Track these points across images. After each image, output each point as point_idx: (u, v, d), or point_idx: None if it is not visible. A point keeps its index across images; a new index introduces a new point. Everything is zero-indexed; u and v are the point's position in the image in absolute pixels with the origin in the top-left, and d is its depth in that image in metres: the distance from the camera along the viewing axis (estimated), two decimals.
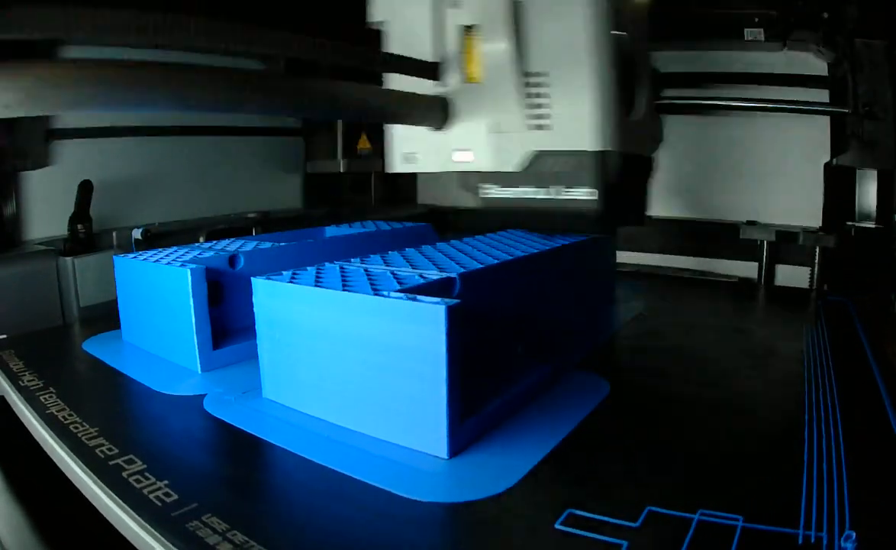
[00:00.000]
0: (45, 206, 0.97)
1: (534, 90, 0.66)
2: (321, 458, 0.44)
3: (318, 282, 0.51)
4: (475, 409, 0.47)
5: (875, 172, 1.03)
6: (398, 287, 0.48)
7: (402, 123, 0.74)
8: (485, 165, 0.72)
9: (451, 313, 0.42)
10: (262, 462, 0.46)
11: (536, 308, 0.65)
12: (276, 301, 0.53)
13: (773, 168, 1.15)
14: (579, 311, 0.78)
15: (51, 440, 0.48)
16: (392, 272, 0.54)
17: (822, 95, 1.08)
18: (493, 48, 0.68)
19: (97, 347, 0.72)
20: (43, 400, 0.55)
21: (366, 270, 0.56)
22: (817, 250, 1.05)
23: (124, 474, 0.42)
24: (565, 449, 0.46)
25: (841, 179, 1.06)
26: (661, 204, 1.26)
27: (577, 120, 0.65)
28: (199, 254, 0.69)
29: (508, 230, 0.80)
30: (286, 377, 0.53)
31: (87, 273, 0.89)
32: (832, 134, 1.09)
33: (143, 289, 0.69)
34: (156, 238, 1.03)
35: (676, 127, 1.23)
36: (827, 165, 1.09)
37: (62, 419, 0.51)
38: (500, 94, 0.68)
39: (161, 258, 0.69)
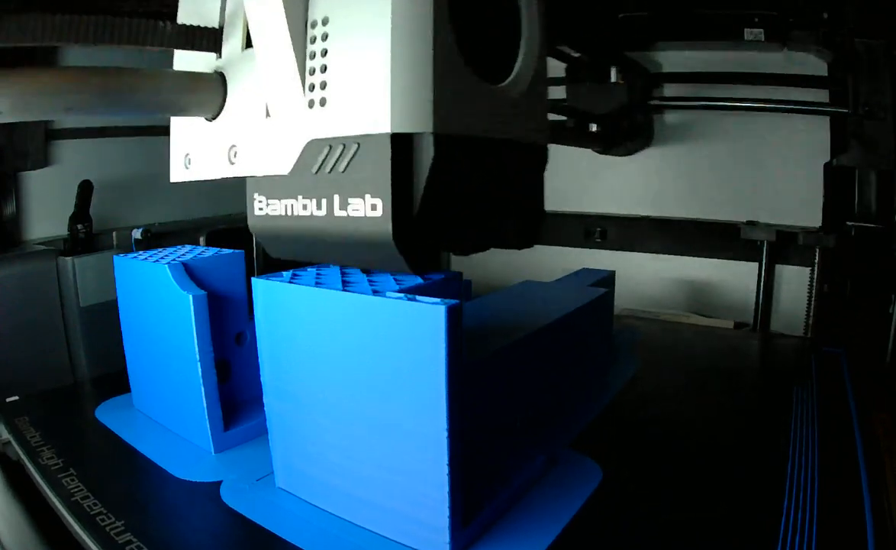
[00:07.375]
0: (45, 206, 0.97)
1: (317, 48, 0.42)
2: None
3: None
4: (477, 510, 0.47)
5: (875, 173, 1.03)
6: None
7: (171, 113, 0.54)
8: (250, 167, 0.48)
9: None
10: None
11: (539, 388, 0.62)
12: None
13: (773, 168, 1.15)
14: (579, 383, 0.74)
15: (84, 536, 0.48)
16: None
17: (822, 95, 1.08)
18: None
19: (109, 416, 0.73)
20: (66, 484, 0.56)
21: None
22: (817, 250, 1.05)
23: None
24: (559, 547, 0.47)
25: (841, 179, 1.06)
26: (661, 204, 1.26)
27: (362, 87, 0.40)
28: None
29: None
30: (295, 457, 0.54)
31: (87, 273, 0.89)
32: (832, 134, 1.09)
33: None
34: (156, 238, 1.03)
35: (676, 126, 1.23)
36: (827, 165, 1.09)
37: (88, 509, 0.52)
38: (275, 58, 0.44)
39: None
